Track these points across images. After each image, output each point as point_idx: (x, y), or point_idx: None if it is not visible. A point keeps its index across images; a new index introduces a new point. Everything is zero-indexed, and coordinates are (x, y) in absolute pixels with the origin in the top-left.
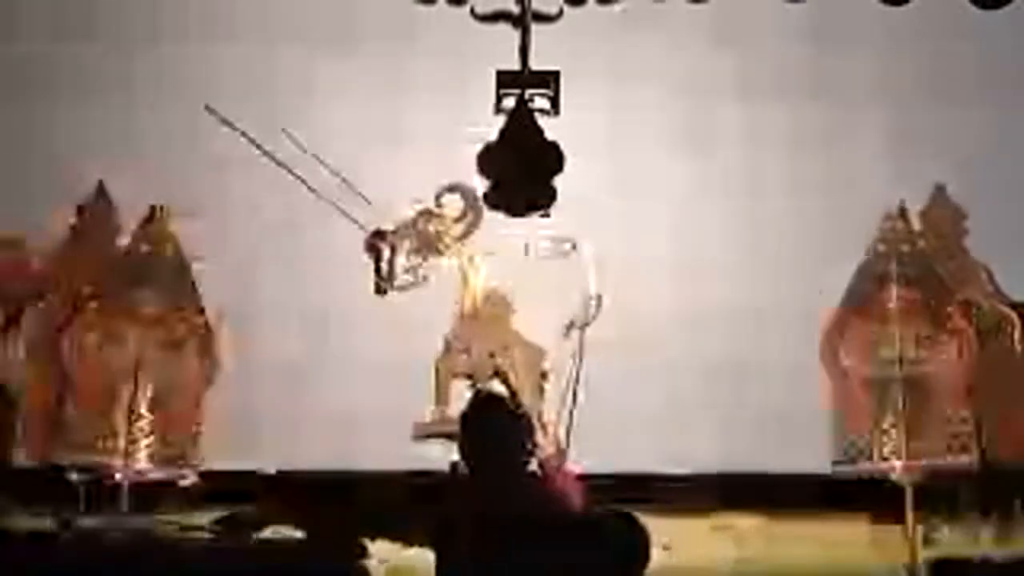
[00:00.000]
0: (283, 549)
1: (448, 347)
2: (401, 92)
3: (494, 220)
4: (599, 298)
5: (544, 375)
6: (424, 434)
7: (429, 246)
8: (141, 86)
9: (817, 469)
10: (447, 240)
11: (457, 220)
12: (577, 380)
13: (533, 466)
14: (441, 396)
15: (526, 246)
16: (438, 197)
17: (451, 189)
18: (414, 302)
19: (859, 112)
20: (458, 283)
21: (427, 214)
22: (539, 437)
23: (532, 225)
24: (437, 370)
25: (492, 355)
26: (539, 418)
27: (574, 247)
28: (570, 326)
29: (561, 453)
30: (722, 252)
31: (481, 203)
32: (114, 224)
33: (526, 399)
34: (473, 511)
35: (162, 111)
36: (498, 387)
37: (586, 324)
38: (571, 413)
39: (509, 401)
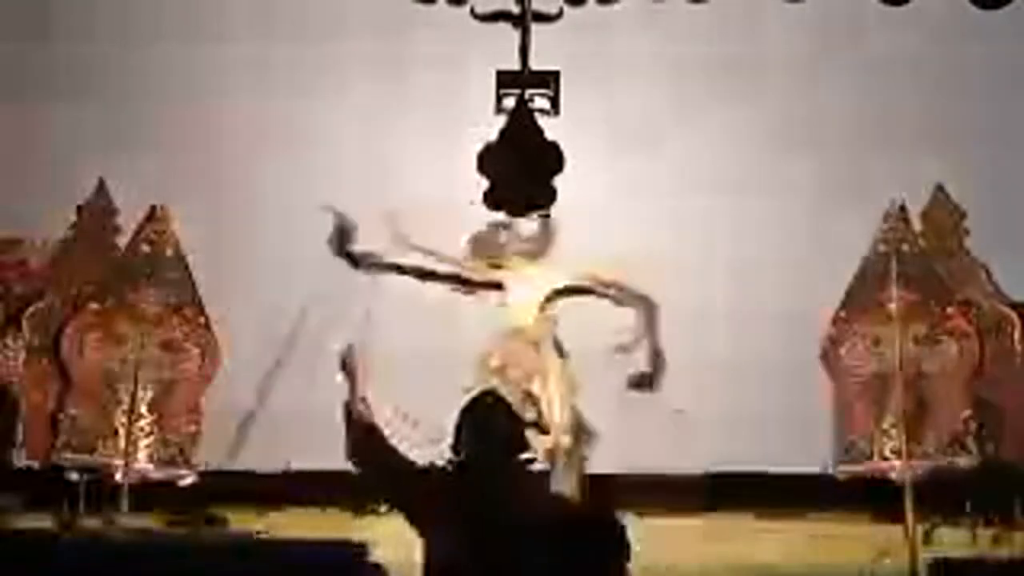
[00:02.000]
0: (283, 549)
1: (486, 365)
2: (401, 91)
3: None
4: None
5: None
6: None
7: (491, 256)
8: (141, 86)
9: (817, 469)
10: (510, 256)
11: (524, 241)
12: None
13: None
14: None
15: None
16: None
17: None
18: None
19: (859, 112)
20: (506, 302)
21: (502, 226)
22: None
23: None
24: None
25: (528, 376)
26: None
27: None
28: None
29: None
30: (722, 252)
31: (555, 236)
32: (114, 224)
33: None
34: (465, 509)
35: (163, 111)
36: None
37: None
38: None
39: (506, 401)
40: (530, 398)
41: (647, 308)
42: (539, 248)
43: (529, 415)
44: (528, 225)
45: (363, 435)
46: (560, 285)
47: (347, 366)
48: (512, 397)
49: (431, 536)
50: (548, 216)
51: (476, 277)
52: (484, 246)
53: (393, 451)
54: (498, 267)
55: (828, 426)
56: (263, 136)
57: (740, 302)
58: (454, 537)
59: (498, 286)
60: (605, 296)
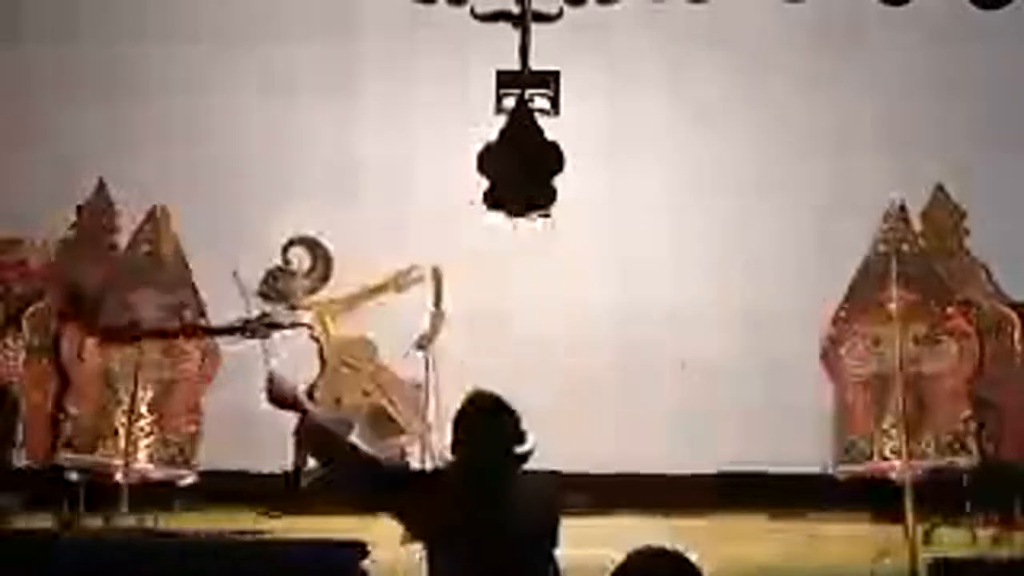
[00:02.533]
0: (283, 549)
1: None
2: (401, 91)
3: (344, 267)
4: (441, 313)
5: (422, 412)
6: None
7: (283, 302)
8: (141, 87)
9: (817, 469)
10: (299, 295)
11: (305, 276)
12: (427, 393)
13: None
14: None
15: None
16: (284, 251)
17: (297, 242)
18: None
19: (859, 112)
20: (319, 337)
21: (277, 272)
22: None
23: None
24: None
25: (367, 393)
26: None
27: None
28: (420, 344)
29: None
30: (722, 253)
31: (330, 254)
32: (114, 224)
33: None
34: (464, 509)
35: (163, 112)
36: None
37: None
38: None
39: (503, 400)
40: (384, 413)
41: (436, 280)
42: (321, 275)
43: (393, 426)
44: (304, 259)
45: (322, 438)
46: (353, 293)
47: (276, 395)
48: (363, 421)
49: (431, 539)
50: (548, 216)
51: (284, 321)
52: (275, 294)
53: (373, 458)
54: (294, 308)
55: (828, 426)
56: (262, 136)
57: (739, 302)
58: (455, 539)
59: (307, 325)
60: (395, 289)
